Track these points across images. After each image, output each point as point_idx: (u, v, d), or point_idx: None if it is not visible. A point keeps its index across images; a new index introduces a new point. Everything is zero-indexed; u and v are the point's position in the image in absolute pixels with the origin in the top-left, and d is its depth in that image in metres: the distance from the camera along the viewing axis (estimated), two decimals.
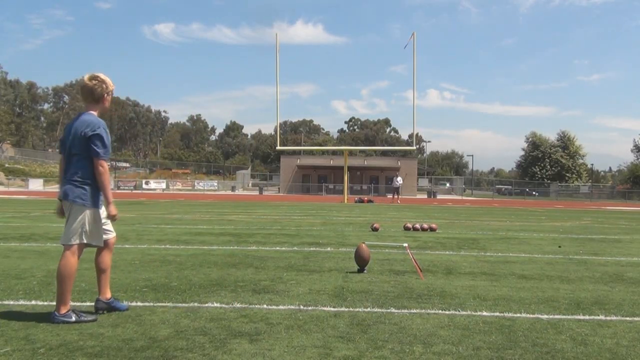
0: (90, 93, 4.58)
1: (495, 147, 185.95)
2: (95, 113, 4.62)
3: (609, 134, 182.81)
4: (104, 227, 4.72)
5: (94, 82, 4.57)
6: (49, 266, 6.94)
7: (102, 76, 4.62)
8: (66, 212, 4.66)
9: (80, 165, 4.51)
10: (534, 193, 67.68)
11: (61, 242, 4.66)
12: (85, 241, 4.59)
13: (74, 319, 4.38)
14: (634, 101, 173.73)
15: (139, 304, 5.02)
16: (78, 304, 4.93)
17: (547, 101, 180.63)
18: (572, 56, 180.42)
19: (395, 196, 36.42)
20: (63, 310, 4.39)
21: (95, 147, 4.43)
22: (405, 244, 7.56)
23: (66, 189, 4.58)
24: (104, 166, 4.49)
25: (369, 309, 4.97)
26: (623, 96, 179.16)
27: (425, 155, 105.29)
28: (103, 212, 4.67)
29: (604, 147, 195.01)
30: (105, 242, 4.77)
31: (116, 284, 5.80)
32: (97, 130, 4.45)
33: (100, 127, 4.48)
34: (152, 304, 5.03)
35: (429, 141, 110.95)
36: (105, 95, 4.64)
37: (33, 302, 5.02)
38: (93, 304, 4.80)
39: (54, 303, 4.54)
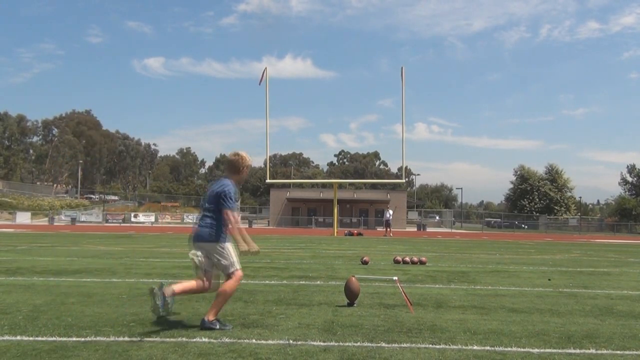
0: (231, 165, 5.73)
1: (484, 180, 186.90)
2: (230, 181, 5.64)
3: (595, 167, 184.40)
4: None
5: (235, 157, 5.71)
6: (34, 301, 6.85)
7: (242, 153, 5.76)
8: (204, 251, 5.48)
9: (214, 216, 5.50)
10: (523, 226, 67.80)
11: (226, 273, 5.48)
12: (239, 267, 5.49)
13: (218, 326, 5.38)
14: (619, 135, 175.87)
15: (126, 338, 4.95)
16: (64, 339, 4.85)
17: (533, 135, 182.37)
18: (557, 91, 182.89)
19: (388, 229, 36.37)
20: (211, 318, 5.40)
21: (224, 202, 5.42)
22: (395, 278, 7.53)
23: (202, 232, 5.50)
24: (228, 214, 5.40)
25: (359, 344, 4.93)
26: (608, 130, 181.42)
27: (414, 188, 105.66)
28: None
29: (591, 180, 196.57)
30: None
31: (103, 319, 5.74)
32: (226, 189, 5.47)
33: (230, 186, 5.53)
34: (139, 339, 4.96)
35: (418, 174, 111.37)
36: (243, 168, 5.73)
37: (18, 338, 4.94)
38: (81, 339, 4.74)
39: (40, 338, 4.47)
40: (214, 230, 5.44)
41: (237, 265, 5.49)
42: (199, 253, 5.47)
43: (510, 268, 12.77)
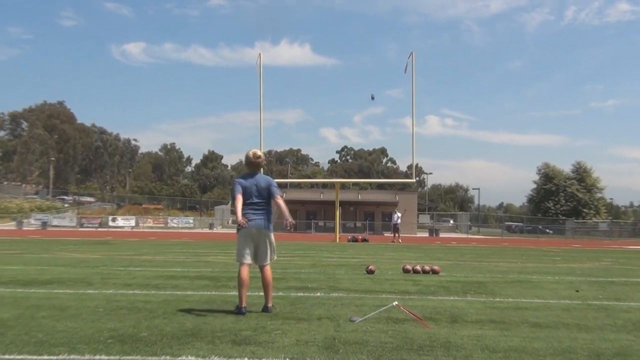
0: (257, 165, 7.39)
1: (503, 180, 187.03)
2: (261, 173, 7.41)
3: (626, 165, 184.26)
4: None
5: (258, 160, 7.38)
6: (1, 315, 6.84)
7: (260, 153, 7.48)
8: (261, 238, 7.25)
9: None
10: (547, 231, 67.83)
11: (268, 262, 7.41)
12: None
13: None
14: None
15: (104, 357, 4.96)
16: (34, 357, 4.86)
17: (558, 129, 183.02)
18: (584, 80, 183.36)
19: (396, 235, 36.37)
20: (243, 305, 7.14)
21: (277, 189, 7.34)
22: (395, 303, 7.43)
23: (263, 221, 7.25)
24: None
25: None
26: None
27: (426, 188, 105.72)
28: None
29: (623, 180, 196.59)
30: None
31: (77, 334, 5.74)
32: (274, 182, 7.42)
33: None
34: (118, 357, 4.97)
35: (430, 173, 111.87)
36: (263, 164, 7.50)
37: None
38: (53, 357, 4.75)
39: (7, 356, 4.48)
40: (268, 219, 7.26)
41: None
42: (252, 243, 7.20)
43: (534, 278, 12.78)
